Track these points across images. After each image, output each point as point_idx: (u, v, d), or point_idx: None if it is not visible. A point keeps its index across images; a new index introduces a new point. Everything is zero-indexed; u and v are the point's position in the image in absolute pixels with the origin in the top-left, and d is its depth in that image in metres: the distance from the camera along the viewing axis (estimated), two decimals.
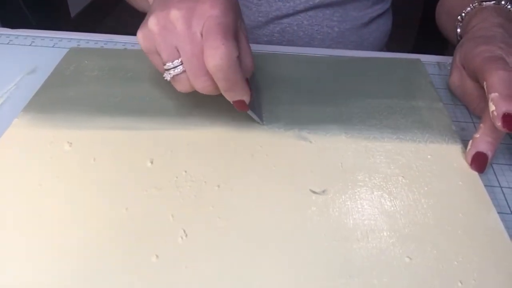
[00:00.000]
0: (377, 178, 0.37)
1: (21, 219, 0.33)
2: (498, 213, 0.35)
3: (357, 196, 0.35)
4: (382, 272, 0.30)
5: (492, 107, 0.37)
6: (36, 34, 0.57)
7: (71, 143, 0.40)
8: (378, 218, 0.34)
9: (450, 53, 0.50)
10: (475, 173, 0.37)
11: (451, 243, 0.32)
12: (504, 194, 0.37)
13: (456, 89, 0.47)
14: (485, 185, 0.38)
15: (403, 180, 0.37)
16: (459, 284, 0.29)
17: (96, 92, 0.46)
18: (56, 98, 0.45)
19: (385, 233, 0.33)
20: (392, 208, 0.34)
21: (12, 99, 0.46)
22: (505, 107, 0.36)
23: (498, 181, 0.38)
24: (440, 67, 0.53)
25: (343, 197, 0.35)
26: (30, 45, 0.55)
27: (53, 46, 0.55)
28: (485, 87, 0.38)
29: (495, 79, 0.37)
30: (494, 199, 0.37)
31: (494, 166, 0.40)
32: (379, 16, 0.67)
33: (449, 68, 0.49)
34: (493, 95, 0.37)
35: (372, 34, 0.66)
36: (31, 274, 0.30)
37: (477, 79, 0.41)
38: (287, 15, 0.61)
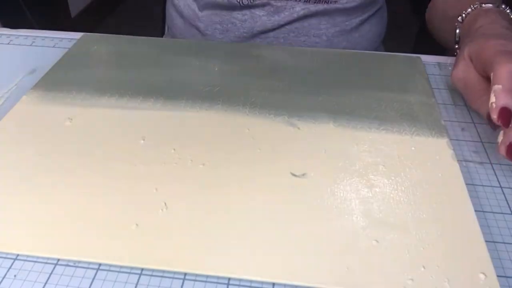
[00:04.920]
0: (357, 166, 0.38)
1: (17, 185, 0.36)
2: (499, 213, 0.35)
3: (335, 181, 0.36)
4: (347, 252, 0.31)
5: (492, 99, 0.37)
6: (36, 34, 0.58)
7: (71, 119, 0.42)
8: (352, 202, 0.35)
9: (450, 53, 0.51)
10: (457, 167, 0.38)
11: (421, 230, 0.33)
12: (504, 194, 0.37)
13: (458, 82, 0.46)
14: (485, 185, 0.38)
15: (383, 169, 0.37)
16: (422, 268, 0.30)
17: (101, 74, 0.49)
18: (63, 78, 0.48)
19: (356, 217, 0.34)
20: (368, 194, 0.35)
21: (13, 99, 0.46)
22: (503, 101, 0.36)
23: (498, 181, 0.38)
24: (440, 67, 0.52)
25: (321, 181, 0.36)
26: (30, 45, 0.56)
27: (53, 46, 0.56)
28: (491, 77, 0.38)
29: (503, 71, 0.37)
30: (494, 199, 0.37)
31: (494, 166, 0.40)
32: (370, 17, 0.65)
33: (449, 68, 0.50)
34: (496, 86, 0.37)
35: (364, 36, 0.65)
36: (20, 234, 0.32)
37: (485, 72, 0.41)
38: (272, 29, 0.60)
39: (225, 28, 0.61)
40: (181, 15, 0.66)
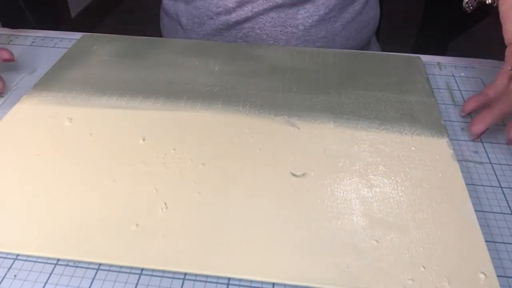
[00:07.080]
0: (357, 165, 0.38)
1: (18, 185, 0.36)
2: (499, 213, 0.35)
3: (335, 181, 0.36)
4: (347, 252, 0.31)
5: None
6: (36, 34, 0.58)
7: (71, 119, 0.42)
8: (352, 202, 0.35)
9: (450, 53, 0.51)
10: (457, 167, 0.38)
11: (421, 230, 0.33)
12: (504, 194, 0.37)
13: None
14: (485, 185, 0.38)
15: (383, 169, 0.37)
16: (422, 268, 0.30)
17: (101, 74, 0.49)
18: (63, 78, 0.48)
19: (357, 217, 0.34)
20: (368, 194, 0.35)
21: (13, 99, 0.46)
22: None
23: (498, 181, 0.38)
24: (440, 67, 0.53)
25: (321, 181, 0.36)
26: (30, 45, 0.56)
27: (53, 46, 0.56)
28: None
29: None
30: (494, 199, 0.37)
31: (494, 166, 0.40)
32: (353, 5, 0.61)
33: (448, 68, 0.49)
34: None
35: (346, 27, 0.61)
36: (20, 235, 0.32)
37: None
38: (247, 19, 0.59)
39: (202, 21, 0.62)
40: (167, 13, 0.67)
